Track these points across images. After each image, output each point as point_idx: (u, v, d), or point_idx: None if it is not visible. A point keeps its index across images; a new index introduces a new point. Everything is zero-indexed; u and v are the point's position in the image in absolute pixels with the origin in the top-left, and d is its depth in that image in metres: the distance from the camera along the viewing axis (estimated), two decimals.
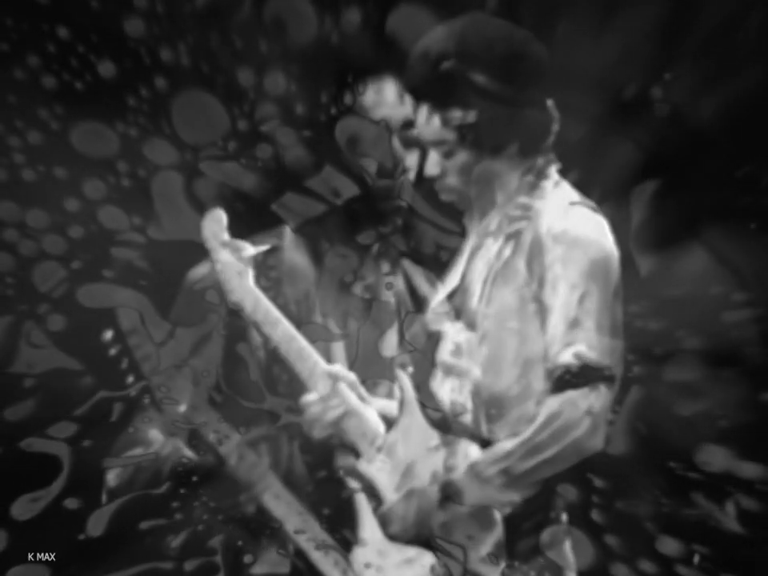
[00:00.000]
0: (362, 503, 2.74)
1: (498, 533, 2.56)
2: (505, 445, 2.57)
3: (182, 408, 2.92)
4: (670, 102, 3.27)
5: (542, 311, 2.62)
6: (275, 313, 2.80)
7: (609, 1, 3.24)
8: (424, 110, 2.74)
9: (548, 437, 2.53)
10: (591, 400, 2.53)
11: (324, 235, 3.13)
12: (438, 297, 2.85)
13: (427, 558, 2.62)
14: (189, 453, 2.95)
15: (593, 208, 2.73)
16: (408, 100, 2.83)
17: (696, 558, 3.20)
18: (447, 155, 2.73)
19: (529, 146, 2.73)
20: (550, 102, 2.76)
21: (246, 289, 2.81)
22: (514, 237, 2.70)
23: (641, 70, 3.26)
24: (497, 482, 2.54)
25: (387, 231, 3.10)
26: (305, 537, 2.85)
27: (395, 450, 2.70)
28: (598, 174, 3.21)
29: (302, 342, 2.79)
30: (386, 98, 2.96)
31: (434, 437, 2.69)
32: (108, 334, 2.95)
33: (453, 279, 2.82)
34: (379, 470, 2.69)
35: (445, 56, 2.69)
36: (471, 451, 2.63)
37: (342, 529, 2.81)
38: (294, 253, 3.13)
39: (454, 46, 2.69)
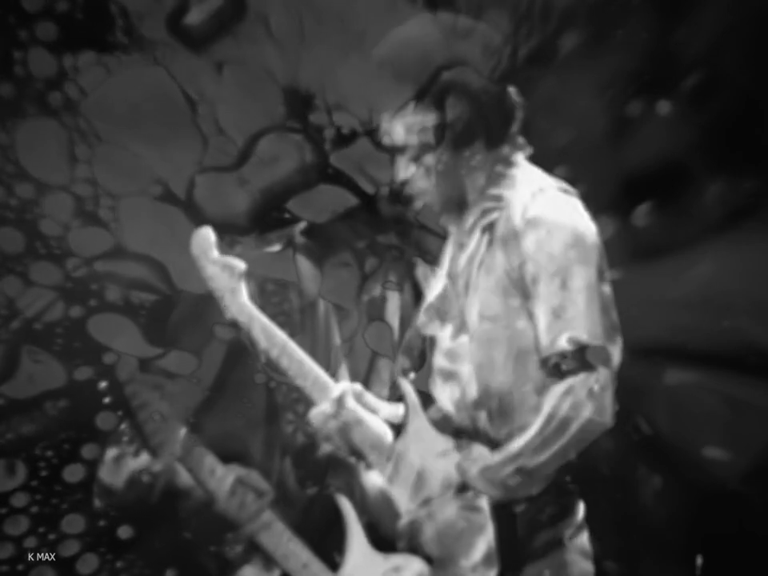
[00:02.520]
0: (350, 514, 2.75)
1: (489, 541, 2.57)
2: (515, 446, 2.56)
3: (175, 451, 2.92)
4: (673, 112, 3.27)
5: (528, 301, 2.61)
6: (272, 328, 2.76)
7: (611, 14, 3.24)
8: (385, 117, 2.74)
9: (555, 429, 2.52)
10: (591, 383, 2.52)
11: (331, 243, 3.15)
12: (427, 300, 2.84)
13: (416, 565, 2.63)
14: (183, 473, 2.95)
15: (564, 190, 2.70)
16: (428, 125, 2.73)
17: (698, 561, 3.20)
18: (415, 159, 2.72)
19: (494, 138, 2.72)
20: (511, 89, 2.74)
21: (240, 305, 2.76)
22: (489, 229, 2.69)
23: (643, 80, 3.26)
24: (513, 481, 2.54)
25: (394, 242, 3.11)
26: (291, 561, 2.85)
27: (404, 458, 2.68)
28: (602, 184, 3.22)
29: (301, 356, 2.75)
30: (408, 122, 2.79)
31: (441, 442, 2.68)
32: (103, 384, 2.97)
33: (439, 281, 2.81)
34: (391, 479, 2.68)
35: (446, 63, 2.70)
36: (484, 452, 2.62)
37: (330, 545, 2.81)
38: (301, 259, 3.14)
39: (449, 53, 2.71)
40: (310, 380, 2.73)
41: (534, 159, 2.91)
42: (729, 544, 3.21)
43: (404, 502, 2.65)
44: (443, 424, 2.72)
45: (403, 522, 2.65)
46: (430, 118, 2.68)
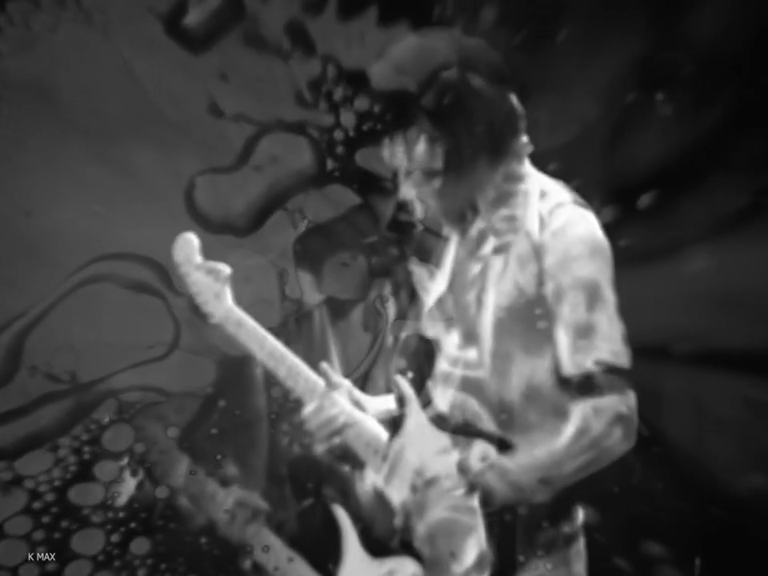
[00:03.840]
0: (346, 523, 2.72)
1: (480, 543, 2.57)
2: (538, 454, 2.51)
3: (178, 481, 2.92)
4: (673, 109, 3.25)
5: (547, 320, 2.55)
6: (260, 331, 2.71)
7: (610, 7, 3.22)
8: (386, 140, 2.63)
9: (582, 448, 2.47)
10: (620, 406, 2.47)
11: (333, 242, 3.14)
12: (428, 302, 2.80)
13: (410, 567, 2.62)
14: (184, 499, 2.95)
15: (577, 203, 2.63)
16: (437, 147, 2.62)
17: (697, 562, 3.20)
18: (418, 179, 2.63)
19: (499, 154, 2.63)
20: (514, 98, 2.65)
21: (225, 310, 2.70)
22: (503, 250, 2.63)
23: (643, 75, 3.24)
24: (532, 488, 2.51)
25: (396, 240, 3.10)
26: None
27: (402, 456, 2.66)
28: (601, 181, 3.21)
29: (290, 357, 2.70)
30: (416, 147, 2.65)
31: (441, 439, 2.64)
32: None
33: (440, 284, 2.78)
34: (388, 478, 2.65)
35: (446, 65, 2.67)
36: (489, 452, 2.59)
37: (325, 556, 2.81)
38: (300, 269, 3.13)
39: (455, 54, 2.66)
40: (301, 382, 2.70)
41: (532, 156, 2.91)
42: (730, 547, 3.21)
43: (439, 542, 2.58)
44: (440, 424, 2.70)
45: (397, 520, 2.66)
46: (430, 137, 2.59)
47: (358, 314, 3.12)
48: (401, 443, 2.66)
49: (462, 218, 2.68)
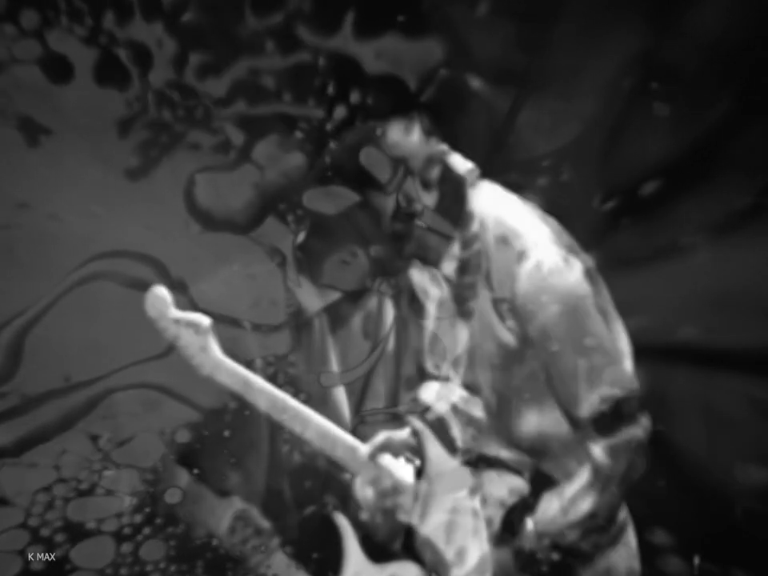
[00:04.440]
0: (347, 531, 2.71)
1: (482, 546, 2.57)
2: (571, 512, 2.50)
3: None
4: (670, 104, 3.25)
5: (541, 366, 2.53)
6: (255, 379, 2.59)
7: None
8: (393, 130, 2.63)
9: (612, 491, 2.48)
10: (638, 435, 2.48)
11: (330, 242, 3.14)
12: (428, 307, 2.79)
13: (411, 572, 2.62)
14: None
15: (539, 243, 2.54)
16: (432, 140, 2.63)
17: (696, 560, 3.20)
18: (423, 174, 2.63)
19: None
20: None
21: (214, 362, 2.56)
22: (469, 315, 2.62)
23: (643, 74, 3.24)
24: (576, 541, 2.51)
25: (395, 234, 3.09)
26: None
27: (432, 495, 2.63)
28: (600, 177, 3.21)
29: (293, 404, 2.60)
30: (411, 137, 2.66)
31: (464, 473, 2.63)
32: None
33: (439, 288, 2.77)
34: (422, 520, 2.62)
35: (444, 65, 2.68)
36: (517, 485, 2.59)
37: (326, 562, 2.79)
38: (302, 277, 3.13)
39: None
40: (304, 429, 2.60)
41: (531, 158, 2.90)
42: (730, 546, 3.22)
43: (441, 544, 2.58)
44: (468, 459, 2.67)
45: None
46: (427, 131, 2.62)
47: (358, 322, 3.10)
48: (428, 486, 2.63)
49: (461, 213, 2.68)
